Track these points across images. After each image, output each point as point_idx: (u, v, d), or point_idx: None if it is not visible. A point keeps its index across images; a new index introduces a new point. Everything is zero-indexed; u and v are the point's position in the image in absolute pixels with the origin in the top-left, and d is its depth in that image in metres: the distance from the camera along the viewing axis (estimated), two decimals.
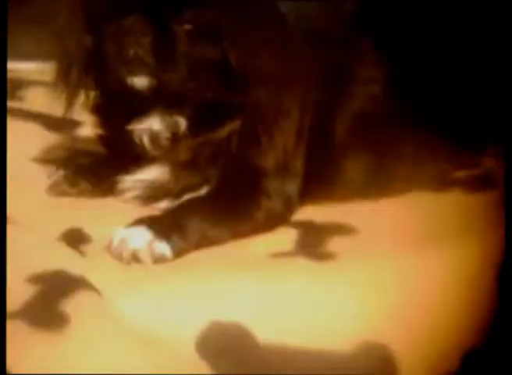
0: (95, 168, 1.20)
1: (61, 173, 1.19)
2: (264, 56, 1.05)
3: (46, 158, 1.25)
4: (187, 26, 1.03)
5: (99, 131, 1.19)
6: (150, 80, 1.03)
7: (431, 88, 1.26)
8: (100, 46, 1.05)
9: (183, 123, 1.08)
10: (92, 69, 1.10)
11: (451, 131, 1.26)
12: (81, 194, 1.18)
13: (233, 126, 1.08)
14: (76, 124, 1.39)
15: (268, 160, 1.12)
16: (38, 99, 1.47)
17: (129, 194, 1.15)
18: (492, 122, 1.31)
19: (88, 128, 1.27)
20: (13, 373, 0.74)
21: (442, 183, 1.24)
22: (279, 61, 1.06)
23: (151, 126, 1.09)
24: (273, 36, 1.07)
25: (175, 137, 1.09)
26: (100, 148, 1.22)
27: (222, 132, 1.08)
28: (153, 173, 1.13)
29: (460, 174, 1.27)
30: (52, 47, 1.16)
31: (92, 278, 0.91)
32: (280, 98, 1.08)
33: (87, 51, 1.08)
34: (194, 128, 1.08)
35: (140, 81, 1.03)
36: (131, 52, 1.01)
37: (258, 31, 1.05)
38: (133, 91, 1.04)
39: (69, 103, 1.12)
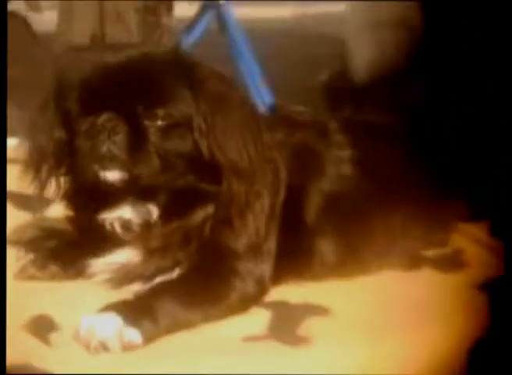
0: (65, 250, 1.19)
1: (30, 256, 1.17)
2: (234, 146, 1.07)
3: (15, 240, 1.24)
4: (160, 122, 1.05)
5: (70, 214, 1.18)
6: (122, 174, 1.04)
7: (399, 167, 1.30)
8: (72, 141, 1.06)
9: (154, 210, 1.09)
10: (64, 161, 1.10)
11: (421, 209, 1.28)
12: (51, 277, 1.16)
13: (207, 211, 1.09)
14: (46, 203, 1.38)
15: (241, 242, 1.12)
16: (9, 176, 1.46)
17: (99, 278, 1.14)
18: (462, 198, 1.34)
19: (59, 206, 1.25)
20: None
21: (413, 262, 1.25)
22: (249, 150, 1.08)
23: (122, 214, 1.09)
24: (243, 126, 1.09)
25: (146, 225, 1.09)
26: (70, 228, 1.21)
27: (196, 218, 1.09)
28: (124, 256, 1.12)
29: (430, 253, 1.28)
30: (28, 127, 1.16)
31: (58, 370, 0.88)
32: (251, 182, 1.09)
33: (60, 144, 1.09)
34: (166, 215, 1.08)
35: (113, 175, 1.04)
36: (104, 149, 1.03)
37: (229, 123, 1.08)
38: (105, 184, 1.05)
39: (40, 190, 1.12)
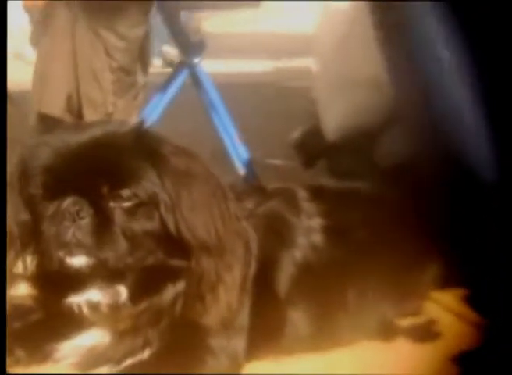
0: (32, 332, 1.15)
1: None
2: (201, 223, 1.06)
3: None
4: (125, 203, 1.04)
5: (36, 295, 1.15)
6: (88, 259, 1.03)
7: (370, 234, 1.29)
8: (37, 224, 1.05)
9: (123, 291, 1.07)
10: (30, 243, 1.09)
11: (394, 276, 1.28)
12: (16, 363, 1.13)
13: (177, 288, 1.07)
14: (14, 278, 1.34)
15: (213, 318, 1.10)
16: None
17: (67, 361, 1.11)
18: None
19: (26, 284, 1.23)
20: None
21: (388, 332, 1.24)
22: (217, 225, 1.07)
23: (90, 297, 1.07)
24: (209, 201, 1.09)
25: (115, 305, 1.07)
26: (36, 306, 1.18)
27: (166, 296, 1.07)
28: (92, 339, 1.10)
29: (404, 322, 1.28)
30: None
31: None
32: (221, 257, 1.08)
33: (25, 227, 1.08)
34: (136, 295, 1.07)
35: (79, 261, 1.03)
36: (69, 235, 1.01)
37: (194, 199, 1.07)
38: (71, 269, 1.03)
39: (7, 271, 1.10)
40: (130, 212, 1.04)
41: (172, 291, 1.07)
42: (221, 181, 1.13)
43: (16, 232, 1.08)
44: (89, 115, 2.26)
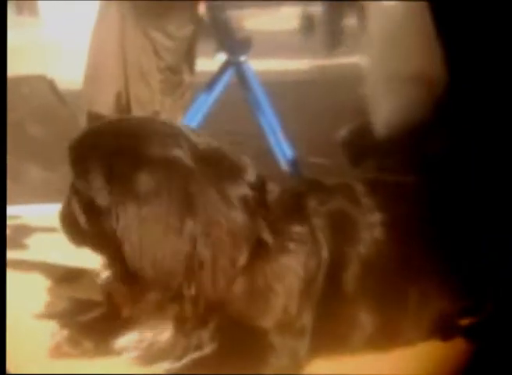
0: (98, 324, 1.18)
1: (64, 333, 1.16)
2: None
3: (48, 314, 1.23)
4: None
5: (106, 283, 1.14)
6: None
7: (428, 228, 1.27)
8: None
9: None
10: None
11: (457, 275, 1.25)
12: (83, 355, 1.15)
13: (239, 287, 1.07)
14: (79, 273, 1.38)
15: (268, 321, 1.09)
16: (41, 247, 1.47)
17: (131, 355, 1.12)
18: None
19: (91, 278, 1.25)
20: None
21: (449, 331, 1.22)
22: None
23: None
24: None
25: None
26: (102, 299, 1.20)
27: (230, 294, 1.07)
28: (155, 333, 1.10)
29: (465, 321, 1.26)
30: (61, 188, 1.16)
31: None
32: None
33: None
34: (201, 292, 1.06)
35: None
36: None
37: None
38: None
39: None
40: None
41: (234, 290, 1.07)
42: None
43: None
44: (137, 113, 2.30)
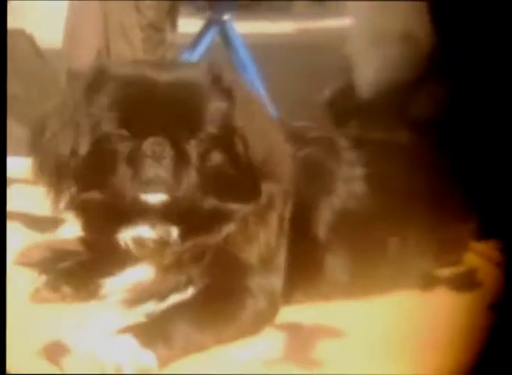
0: (78, 271, 1.18)
1: (43, 278, 1.16)
2: (267, 147, 1.09)
3: (28, 261, 1.22)
4: (202, 144, 1.06)
5: (82, 233, 1.16)
6: (164, 196, 1.05)
7: (411, 185, 1.29)
8: (106, 161, 1.05)
9: (175, 231, 1.08)
10: (86, 178, 1.08)
11: (434, 226, 1.27)
12: (63, 299, 1.15)
13: (226, 230, 1.09)
14: (58, 222, 1.37)
15: (253, 254, 1.11)
16: (20, 197, 1.45)
17: (112, 298, 1.12)
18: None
19: (70, 227, 1.25)
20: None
21: (427, 282, 1.24)
22: (278, 150, 1.11)
23: (140, 233, 1.08)
24: (271, 128, 1.13)
25: (162, 242, 1.08)
26: (82, 248, 1.20)
27: (214, 237, 1.08)
28: (137, 275, 1.11)
29: (445, 272, 1.28)
30: (35, 144, 1.14)
31: None
32: (282, 183, 1.11)
33: (83, 160, 1.07)
34: (186, 235, 1.08)
35: (155, 198, 1.05)
36: (150, 173, 1.03)
37: (259, 126, 1.10)
38: (139, 205, 1.05)
39: (55, 207, 1.10)
40: (205, 153, 1.07)
41: (221, 233, 1.08)
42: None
43: (74, 164, 1.07)
44: None
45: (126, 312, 1.10)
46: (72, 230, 1.22)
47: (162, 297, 1.10)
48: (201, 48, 2.44)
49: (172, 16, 2.37)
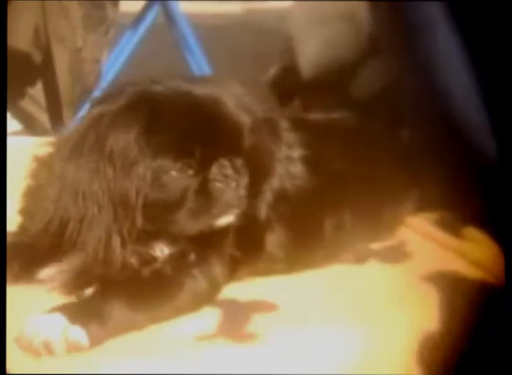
0: (16, 257, 1.13)
1: None
2: None
3: None
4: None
5: (21, 222, 1.14)
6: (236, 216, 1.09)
7: (349, 165, 1.30)
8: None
9: None
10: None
11: (371, 208, 1.29)
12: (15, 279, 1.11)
13: None
14: None
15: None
16: None
17: (52, 284, 1.10)
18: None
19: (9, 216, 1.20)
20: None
21: (360, 255, 1.27)
22: None
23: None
24: None
25: None
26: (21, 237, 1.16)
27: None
28: (76, 260, 1.08)
29: (376, 245, 1.30)
30: None
31: None
32: None
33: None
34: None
35: (227, 220, 1.09)
36: (226, 196, 1.07)
37: None
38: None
39: None
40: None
41: None
42: None
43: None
44: (57, 50, 2.20)
45: (67, 298, 1.08)
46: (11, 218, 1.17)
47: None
48: (143, 26, 2.40)
49: None
